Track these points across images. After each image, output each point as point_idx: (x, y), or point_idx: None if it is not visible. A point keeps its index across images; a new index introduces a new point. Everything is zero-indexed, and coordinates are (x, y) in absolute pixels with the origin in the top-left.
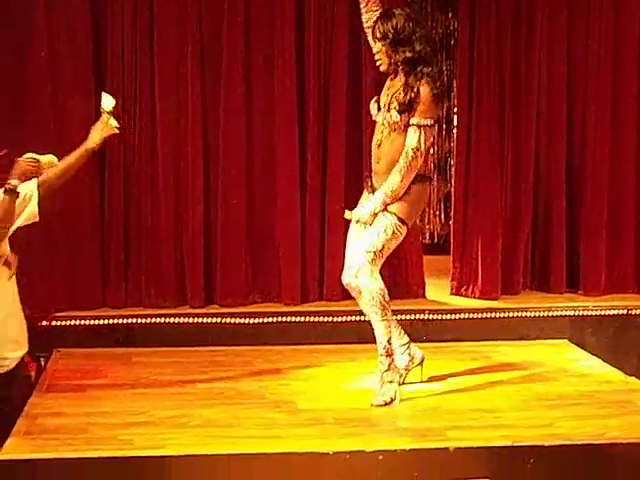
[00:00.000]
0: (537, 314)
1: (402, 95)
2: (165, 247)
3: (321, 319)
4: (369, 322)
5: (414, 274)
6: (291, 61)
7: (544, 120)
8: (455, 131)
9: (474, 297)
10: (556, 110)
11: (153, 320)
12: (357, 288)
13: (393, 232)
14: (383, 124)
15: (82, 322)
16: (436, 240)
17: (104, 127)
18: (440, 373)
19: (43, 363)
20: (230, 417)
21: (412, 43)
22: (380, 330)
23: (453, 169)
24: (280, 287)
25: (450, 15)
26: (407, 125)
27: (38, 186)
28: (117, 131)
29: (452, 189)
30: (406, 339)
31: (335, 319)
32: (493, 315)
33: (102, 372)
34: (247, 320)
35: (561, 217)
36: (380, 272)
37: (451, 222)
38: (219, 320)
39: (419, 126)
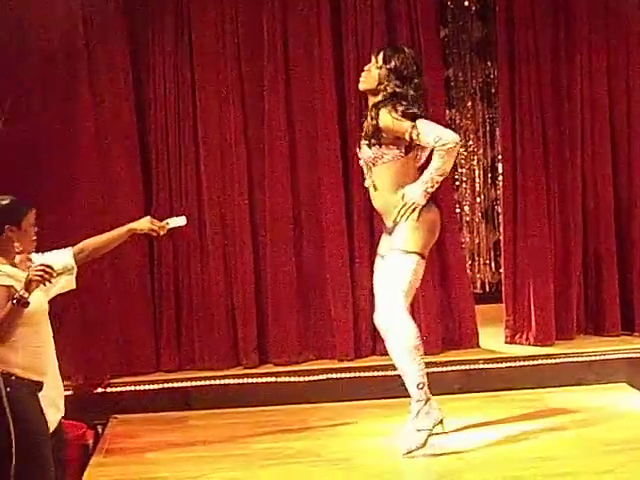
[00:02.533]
0: (593, 358)
1: (369, 129)
2: (216, 309)
3: (374, 374)
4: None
5: (467, 324)
6: (332, 107)
7: (589, 160)
8: (500, 178)
9: (529, 344)
10: (601, 150)
11: (207, 382)
12: (386, 330)
13: (415, 270)
14: (366, 165)
15: (137, 387)
16: (487, 289)
17: (157, 227)
18: (497, 422)
19: (100, 430)
20: (288, 477)
21: (407, 83)
22: (410, 374)
23: (500, 217)
24: (333, 343)
25: (490, 63)
26: (382, 157)
27: (74, 255)
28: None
29: (501, 237)
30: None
31: (389, 373)
32: (548, 361)
33: (159, 437)
34: (301, 378)
35: (612, 257)
36: (433, 322)
37: (501, 270)
38: (273, 380)
39: (413, 126)
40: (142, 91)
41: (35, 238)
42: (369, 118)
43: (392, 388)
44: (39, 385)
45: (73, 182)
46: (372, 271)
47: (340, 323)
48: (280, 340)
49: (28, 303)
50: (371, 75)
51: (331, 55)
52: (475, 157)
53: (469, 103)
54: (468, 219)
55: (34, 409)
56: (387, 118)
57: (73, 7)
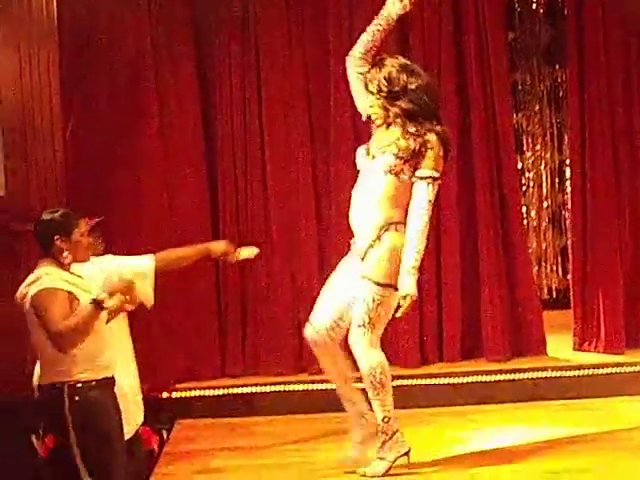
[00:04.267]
0: None
1: (404, 142)
2: (281, 316)
3: (441, 381)
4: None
5: (534, 331)
6: None
7: None
8: (568, 183)
9: (598, 352)
10: None
11: (272, 389)
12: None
13: (390, 304)
14: (371, 170)
15: (202, 393)
16: (554, 295)
17: (230, 253)
18: (566, 432)
19: (165, 435)
20: None
21: (407, 94)
22: (376, 406)
23: (568, 222)
24: (398, 350)
25: (557, 67)
26: (410, 175)
27: (156, 262)
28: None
29: (568, 242)
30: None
31: (454, 380)
32: (619, 370)
33: (224, 443)
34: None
35: None
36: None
37: (569, 276)
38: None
39: (433, 179)
40: (208, 99)
41: (89, 248)
42: (414, 135)
43: (458, 395)
44: (109, 381)
45: (138, 191)
46: (438, 280)
47: (406, 331)
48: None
49: (104, 309)
50: (376, 109)
51: None
52: (542, 161)
53: (536, 107)
54: (535, 224)
55: (107, 412)
56: (439, 147)
57: (140, 16)
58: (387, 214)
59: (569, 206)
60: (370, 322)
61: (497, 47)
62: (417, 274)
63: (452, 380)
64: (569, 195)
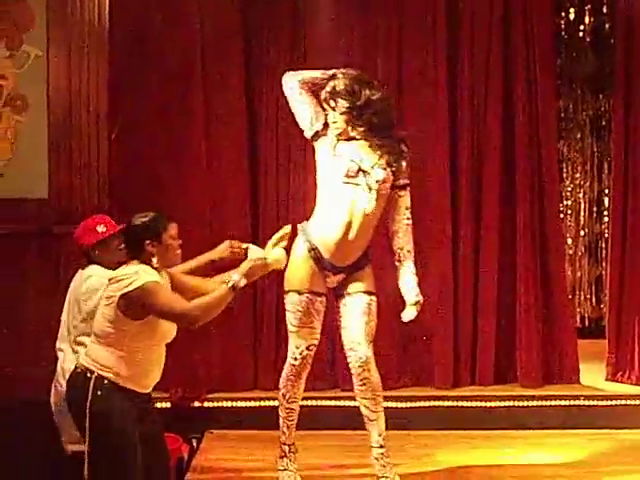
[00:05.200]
0: None
1: (390, 157)
2: None
3: (473, 404)
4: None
5: (568, 359)
6: (444, 137)
7: None
8: (606, 213)
9: (631, 383)
10: None
11: (304, 403)
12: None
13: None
14: (368, 186)
15: (234, 404)
16: (587, 324)
17: (236, 249)
18: (596, 462)
19: (195, 444)
20: None
21: (370, 107)
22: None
23: (604, 251)
24: (432, 371)
25: (601, 96)
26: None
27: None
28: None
29: (603, 272)
30: None
31: (487, 404)
32: None
33: (256, 455)
34: (397, 404)
35: None
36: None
37: (602, 305)
38: None
39: (409, 185)
40: (254, 108)
41: (179, 251)
42: (392, 147)
43: (491, 420)
44: (138, 395)
45: (182, 190)
46: (474, 302)
47: (439, 351)
48: (379, 364)
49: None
50: (341, 123)
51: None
52: (581, 190)
53: (578, 135)
54: (571, 252)
55: (122, 417)
56: (408, 154)
57: (191, 24)
58: None
59: (606, 236)
60: (372, 335)
61: (545, 75)
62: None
63: (484, 404)
64: (607, 225)
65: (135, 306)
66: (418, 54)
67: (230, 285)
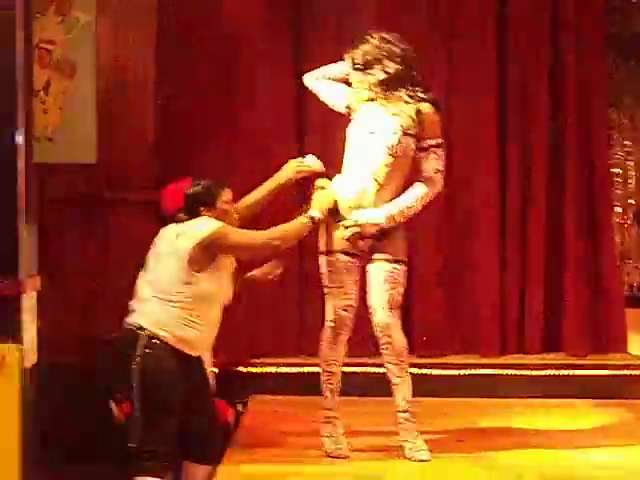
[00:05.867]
0: None
1: (405, 120)
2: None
3: (519, 372)
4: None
5: (616, 328)
6: (492, 132)
7: None
8: None
9: None
10: None
11: (351, 369)
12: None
13: (403, 281)
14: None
15: (279, 369)
16: (635, 292)
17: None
18: None
19: (240, 409)
20: (424, 472)
21: (381, 63)
22: (409, 383)
23: None
24: (478, 339)
25: None
26: (415, 149)
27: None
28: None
29: None
30: None
31: (533, 372)
32: None
33: (301, 420)
34: (444, 372)
35: None
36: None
37: None
38: (416, 371)
39: (437, 146)
40: (302, 88)
41: (236, 215)
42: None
43: (537, 388)
44: (187, 357)
45: (229, 160)
46: (522, 271)
47: (487, 319)
48: (426, 332)
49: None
50: (356, 87)
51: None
52: (631, 158)
53: (628, 101)
54: (619, 220)
55: (168, 377)
56: (434, 115)
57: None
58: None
59: None
60: (399, 302)
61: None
62: (384, 221)
63: (530, 372)
64: None
65: (210, 253)
66: (468, 56)
67: (307, 215)
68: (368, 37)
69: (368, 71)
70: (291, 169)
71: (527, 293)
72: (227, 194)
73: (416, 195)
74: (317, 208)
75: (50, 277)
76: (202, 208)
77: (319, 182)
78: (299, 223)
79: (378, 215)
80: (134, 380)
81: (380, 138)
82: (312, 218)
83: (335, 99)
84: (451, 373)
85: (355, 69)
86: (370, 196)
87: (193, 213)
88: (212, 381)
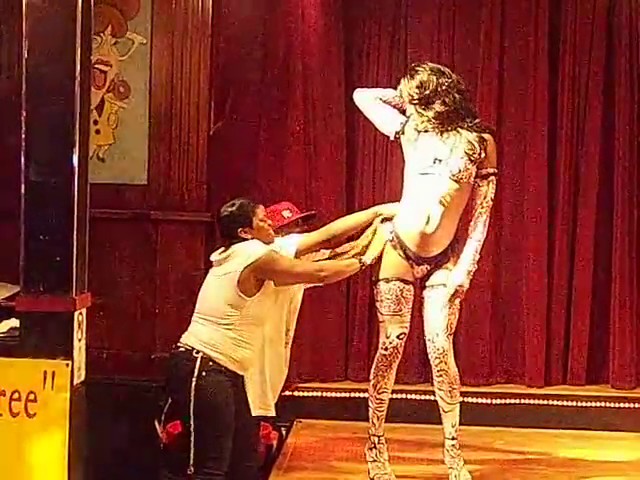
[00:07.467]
0: None
1: (470, 147)
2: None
3: (564, 403)
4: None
5: None
6: (543, 129)
7: None
8: None
9: None
10: None
11: (394, 396)
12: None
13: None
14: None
15: (324, 394)
16: None
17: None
18: None
19: (284, 433)
20: None
21: (440, 96)
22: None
23: None
24: (524, 369)
25: None
26: (475, 176)
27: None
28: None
29: None
30: None
31: (578, 404)
32: None
33: (345, 445)
34: (488, 400)
35: None
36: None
37: None
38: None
39: (495, 175)
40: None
41: (271, 232)
42: (473, 139)
43: (582, 420)
44: (237, 377)
45: (279, 185)
46: (568, 301)
47: (532, 350)
48: (471, 360)
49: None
50: (416, 117)
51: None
52: None
53: None
54: None
55: (224, 398)
56: (493, 145)
57: (292, 10)
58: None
59: None
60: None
61: None
62: (472, 267)
63: (575, 403)
64: None
65: (259, 276)
66: (519, 49)
67: (362, 260)
68: (420, 69)
69: (427, 104)
70: (372, 213)
71: (573, 323)
72: (261, 212)
73: (484, 224)
74: (372, 255)
75: (99, 295)
76: (239, 229)
77: (380, 226)
78: (353, 266)
79: (467, 269)
80: (191, 401)
81: (445, 165)
82: (363, 264)
83: (387, 124)
84: (495, 402)
85: (412, 103)
86: (435, 222)
87: (231, 234)
88: None
